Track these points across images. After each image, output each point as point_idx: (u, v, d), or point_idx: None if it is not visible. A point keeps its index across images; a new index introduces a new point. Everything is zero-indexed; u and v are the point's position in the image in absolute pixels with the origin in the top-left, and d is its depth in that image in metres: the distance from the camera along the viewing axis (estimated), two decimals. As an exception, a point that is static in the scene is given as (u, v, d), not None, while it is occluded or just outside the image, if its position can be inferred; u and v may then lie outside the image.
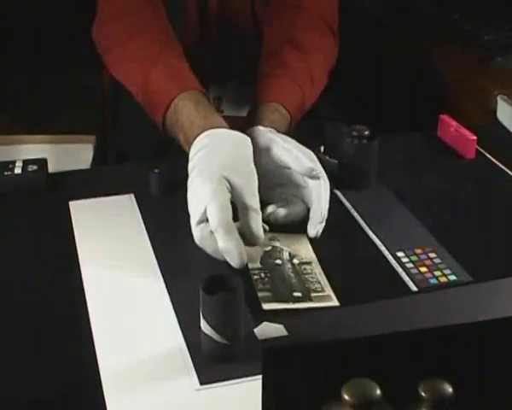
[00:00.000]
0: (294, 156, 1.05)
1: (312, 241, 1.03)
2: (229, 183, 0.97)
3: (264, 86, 1.22)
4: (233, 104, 1.43)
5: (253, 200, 0.98)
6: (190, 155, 1.04)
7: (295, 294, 0.93)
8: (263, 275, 0.96)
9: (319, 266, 0.98)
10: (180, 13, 1.41)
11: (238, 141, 1.03)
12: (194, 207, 0.97)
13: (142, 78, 1.19)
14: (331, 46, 1.37)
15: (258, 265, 0.98)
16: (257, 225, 0.97)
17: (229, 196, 0.96)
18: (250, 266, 0.97)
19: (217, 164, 0.99)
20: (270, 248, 1.01)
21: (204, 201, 0.96)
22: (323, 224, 1.02)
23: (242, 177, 0.98)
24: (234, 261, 0.94)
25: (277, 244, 1.02)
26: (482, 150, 1.28)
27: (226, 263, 0.96)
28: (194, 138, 1.04)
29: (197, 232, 0.98)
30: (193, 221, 0.98)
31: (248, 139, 1.04)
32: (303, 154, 1.05)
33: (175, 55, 1.21)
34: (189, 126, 1.08)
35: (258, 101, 1.19)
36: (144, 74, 1.19)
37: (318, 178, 1.04)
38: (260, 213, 0.98)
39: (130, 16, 1.27)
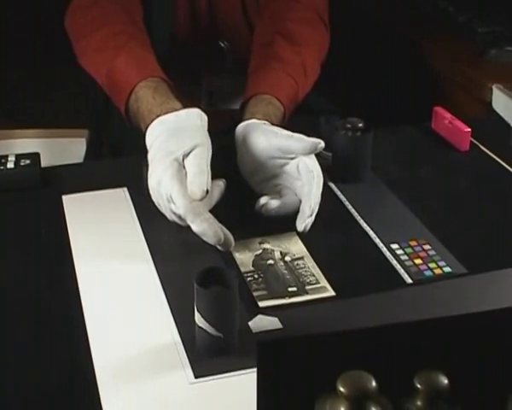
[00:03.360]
0: (296, 138, 1.05)
1: (307, 235, 1.03)
2: (183, 163, 1.00)
3: (257, 79, 1.22)
4: (225, 97, 1.43)
5: (198, 161, 1.00)
6: (148, 146, 1.05)
7: (290, 289, 0.93)
8: (256, 276, 0.96)
9: (312, 260, 0.98)
10: (169, 9, 1.40)
11: (186, 118, 1.06)
12: (158, 201, 1.01)
13: (107, 67, 1.19)
14: (323, 38, 1.37)
15: (251, 268, 0.97)
16: (200, 182, 0.98)
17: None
18: (242, 269, 0.97)
19: (169, 150, 1.01)
20: (260, 251, 1.00)
21: (166, 190, 0.98)
22: (312, 218, 1.02)
23: (192, 153, 1.01)
24: (211, 240, 0.96)
25: (268, 246, 1.01)
26: (476, 142, 1.28)
27: (220, 255, 0.95)
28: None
29: (171, 217, 1.01)
30: (163, 210, 1.01)
31: (196, 111, 1.07)
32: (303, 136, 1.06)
33: (139, 45, 1.21)
34: (148, 115, 1.09)
35: (251, 93, 1.19)
36: (108, 64, 1.19)
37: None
38: (206, 171, 1.00)
39: (98, 8, 1.27)
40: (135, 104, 1.13)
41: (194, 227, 0.96)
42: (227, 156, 1.26)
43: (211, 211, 1.00)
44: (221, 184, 1.06)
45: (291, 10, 1.33)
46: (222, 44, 1.44)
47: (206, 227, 0.95)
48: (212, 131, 1.40)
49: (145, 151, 1.06)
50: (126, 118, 1.17)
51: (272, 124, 1.11)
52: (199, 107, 1.11)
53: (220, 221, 1.01)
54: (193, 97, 1.31)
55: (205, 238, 0.96)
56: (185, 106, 1.09)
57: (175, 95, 1.12)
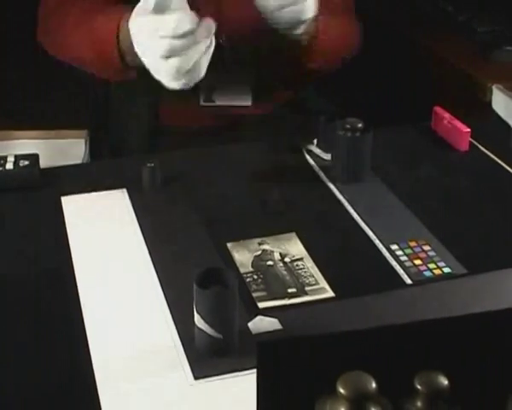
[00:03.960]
0: None
1: (306, 236, 1.03)
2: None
3: None
4: (224, 94, 1.43)
5: None
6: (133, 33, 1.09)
7: (290, 290, 0.93)
8: (255, 277, 0.95)
9: (311, 261, 0.98)
10: None
11: None
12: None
13: (88, 35, 1.22)
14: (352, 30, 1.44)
15: (250, 269, 0.97)
16: None
17: None
18: (242, 270, 0.96)
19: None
20: (260, 252, 1.00)
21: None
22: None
23: None
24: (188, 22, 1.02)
25: (267, 247, 1.01)
26: (476, 143, 1.28)
27: (219, 256, 0.96)
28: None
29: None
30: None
31: None
32: None
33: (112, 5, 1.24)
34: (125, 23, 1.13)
35: None
36: (89, 31, 1.22)
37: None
38: None
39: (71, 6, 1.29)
40: (124, 41, 1.16)
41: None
42: (233, 150, 1.27)
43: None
44: None
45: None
46: (220, 40, 1.44)
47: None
48: (212, 126, 1.40)
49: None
50: (125, 67, 1.20)
51: None
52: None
53: (219, 222, 1.01)
54: (192, 93, 1.32)
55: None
56: None
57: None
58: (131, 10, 1.12)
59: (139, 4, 1.09)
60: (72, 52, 1.28)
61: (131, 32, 1.10)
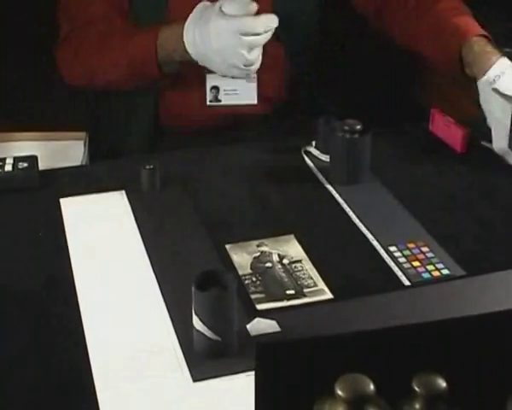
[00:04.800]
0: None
1: (305, 237, 1.03)
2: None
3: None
4: (230, 93, 1.43)
5: None
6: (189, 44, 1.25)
7: (288, 292, 0.93)
8: (254, 279, 0.96)
9: (309, 263, 0.98)
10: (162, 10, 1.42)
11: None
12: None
13: (124, 53, 1.30)
14: None
15: (249, 270, 0.97)
16: None
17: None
18: (240, 272, 0.97)
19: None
20: (258, 253, 1.00)
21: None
22: None
23: None
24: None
25: (266, 249, 1.01)
26: (474, 144, 1.28)
27: (217, 258, 0.96)
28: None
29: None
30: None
31: None
32: None
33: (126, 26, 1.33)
34: (177, 39, 1.26)
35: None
36: (124, 50, 1.30)
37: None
38: None
39: (93, 26, 1.34)
40: (161, 52, 1.28)
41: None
42: (232, 151, 1.27)
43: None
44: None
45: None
46: None
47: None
48: (212, 127, 1.41)
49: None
50: (161, 78, 1.32)
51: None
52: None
53: (218, 223, 1.01)
54: (197, 93, 1.33)
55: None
56: None
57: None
58: (158, 27, 1.26)
59: (193, 15, 1.24)
60: (102, 78, 1.34)
61: (188, 39, 1.25)
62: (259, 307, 0.91)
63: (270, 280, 0.95)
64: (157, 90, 1.43)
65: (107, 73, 1.33)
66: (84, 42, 1.33)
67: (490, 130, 1.24)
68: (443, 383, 0.62)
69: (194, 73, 1.35)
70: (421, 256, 1.00)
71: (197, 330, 0.82)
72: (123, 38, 1.31)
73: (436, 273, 0.97)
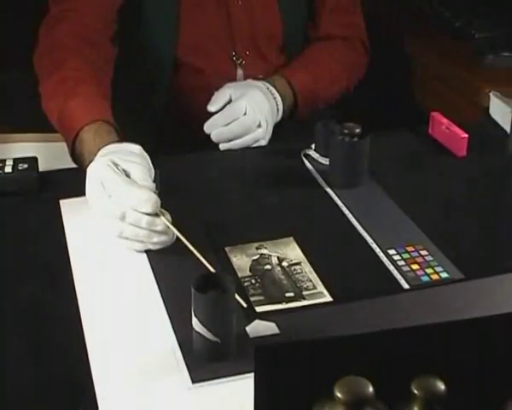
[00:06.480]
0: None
1: (304, 240, 1.03)
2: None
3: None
4: None
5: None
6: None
7: (287, 294, 0.93)
8: (253, 281, 0.96)
9: (309, 265, 0.98)
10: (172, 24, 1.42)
11: (125, 145, 1.08)
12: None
13: (57, 115, 1.21)
14: (361, 61, 1.60)
15: (248, 273, 0.97)
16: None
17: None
18: (240, 274, 0.97)
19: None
20: (258, 256, 1.01)
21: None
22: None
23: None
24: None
25: (265, 251, 1.01)
26: (473, 148, 1.28)
27: (217, 261, 0.96)
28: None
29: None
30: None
31: (138, 146, 1.08)
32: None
33: (87, 90, 1.21)
34: (88, 156, 1.10)
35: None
36: (58, 110, 1.20)
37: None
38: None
39: (55, 52, 1.28)
40: (78, 147, 1.14)
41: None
42: (232, 154, 1.27)
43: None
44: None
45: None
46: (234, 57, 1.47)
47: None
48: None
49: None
50: (74, 161, 1.18)
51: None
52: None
53: (218, 226, 1.01)
54: (205, 103, 1.33)
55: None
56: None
57: (118, 136, 1.13)
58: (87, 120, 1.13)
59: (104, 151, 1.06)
60: (44, 110, 1.27)
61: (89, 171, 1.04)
62: (259, 309, 0.91)
63: (270, 282, 0.96)
64: (160, 96, 1.45)
65: (48, 110, 1.26)
66: (50, 73, 1.26)
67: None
68: (442, 386, 0.62)
69: (201, 81, 1.40)
70: (420, 259, 1.00)
71: (196, 332, 0.82)
72: (68, 94, 1.20)
73: (435, 277, 0.97)
